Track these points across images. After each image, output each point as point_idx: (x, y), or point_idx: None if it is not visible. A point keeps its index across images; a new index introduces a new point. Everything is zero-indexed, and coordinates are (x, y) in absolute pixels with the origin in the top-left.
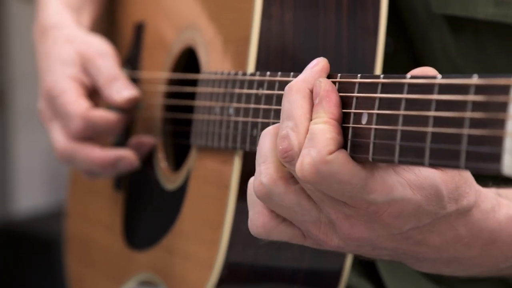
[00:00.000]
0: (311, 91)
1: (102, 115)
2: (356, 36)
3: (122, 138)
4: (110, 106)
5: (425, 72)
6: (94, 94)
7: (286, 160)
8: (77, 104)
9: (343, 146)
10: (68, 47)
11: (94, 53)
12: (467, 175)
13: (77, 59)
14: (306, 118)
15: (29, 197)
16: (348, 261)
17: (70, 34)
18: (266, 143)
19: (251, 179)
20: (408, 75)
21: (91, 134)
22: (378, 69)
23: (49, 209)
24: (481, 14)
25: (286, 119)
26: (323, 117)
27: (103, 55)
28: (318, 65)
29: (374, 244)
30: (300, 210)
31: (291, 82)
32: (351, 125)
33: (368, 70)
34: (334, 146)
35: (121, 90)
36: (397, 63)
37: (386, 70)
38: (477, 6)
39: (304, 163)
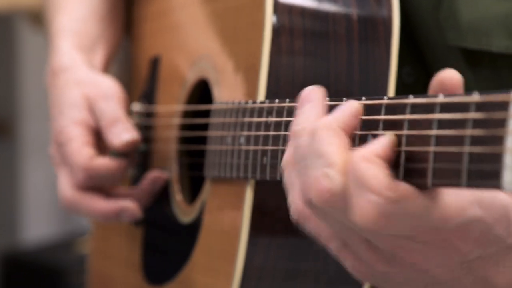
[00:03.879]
0: (344, 131)
1: (103, 163)
2: (368, 61)
3: (139, 173)
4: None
5: (449, 75)
6: (101, 137)
7: (327, 205)
8: (80, 154)
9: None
10: (76, 90)
11: (98, 96)
12: None
13: (83, 102)
14: (342, 153)
15: (37, 227)
16: None
17: (79, 77)
18: (291, 176)
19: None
20: (411, 95)
21: (94, 183)
22: (391, 94)
23: (57, 239)
24: (495, 47)
25: (318, 158)
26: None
27: (107, 97)
28: (351, 106)
29: (429, 277)
30: (325, 236)
31: (318, 123)
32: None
33: (380, 95)
34: (388, 183)
35: (121, 133)
36: (419, 92)
37: None
38: (490, 39)
39: (366, 211)
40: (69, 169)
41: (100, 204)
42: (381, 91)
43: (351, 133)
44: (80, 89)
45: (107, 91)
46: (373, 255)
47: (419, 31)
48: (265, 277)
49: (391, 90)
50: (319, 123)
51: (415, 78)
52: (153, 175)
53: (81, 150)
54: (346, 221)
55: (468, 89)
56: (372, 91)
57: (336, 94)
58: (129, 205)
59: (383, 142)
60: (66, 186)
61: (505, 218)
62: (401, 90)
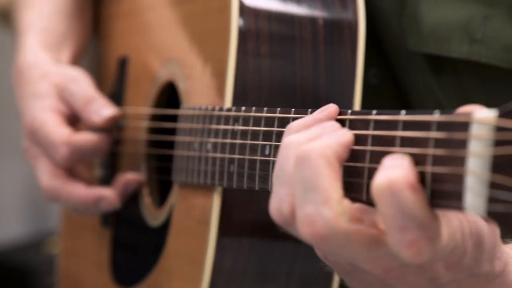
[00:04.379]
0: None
1: (86, 137)
2: (334, 68)
3: (107, 174)
4: (92, 129)
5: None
6: (75, 121)
7: (320, 245)
8: (58, 132)
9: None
10: (43, 82)
11: (67, 81)
12: (499, 235)
13: (52, 91)
14: (337, 189)
15: (6, 227)
16: None
17: (45, 70)
18: (290, 159)
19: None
20: (374, 111)
21: (78, 159)
22: (357, 100)
23: (26, 239)
24: (455, 52)
25: (311, 191)
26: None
27: (74, 79)
28: (344, 136)
29: (392, 287)
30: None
31: (310, 146)
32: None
33: (346, 102)
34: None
35: (99, 110)
36: (383, 94)
37: (372, 102)
38: (451, 45)
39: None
40: (48, 153)
41: (80, 191)
42: (347, 95)
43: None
44: (48, 81)
45: (75, 75)
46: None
47: (384, 35)
48: (234, 281)
49: (358, 93)
50: (313, 151)
51: (381, 79)
52: (127, 177)
53: (58, 129)
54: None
55: (431, 94)
56: (339, 95)
57: (302, 98)
58: (108, 193)
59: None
60: (45, 175)
61: (479, 247)
62: (367, 92)
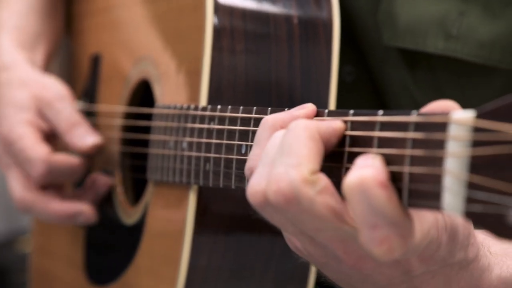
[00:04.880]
0: (320, 137)
1: (64, 159)
2: (309, 63)
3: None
4: (70, 151)
5: (443, 106)
6: (51, 139)
7: (281, 205)
8: (36, 148)
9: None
10: (22, 91)
11: (51, 97)
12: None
13: (32, 103)
14: (312, 161)
15: None
16: None
17: (24, 77)
18: (276, 140)
19: (269, 118)
20: (351, 111)
21: (53, 179)
22: (332, 98)
23: (0, 238)
24: (431, 48)
25: (286, 155)
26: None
27: (61, 98)
28: (336, 124)
29: (368, 277)
30: (292, 230)
31: (300, 120)
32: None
33: (321, 101)
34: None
35: (84, 136)
36: (358, 91)
37: (347, 99)
38: (426, 40)
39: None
40: (22, 167)
41: (55, 205)
42: (323, 93)
43: (328, 148)
44: (27, 90)
45: (60, 92)
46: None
47: (359, 31)
48: (210, 279)
49: (333, 92)
50: (300, 122)
51: (356, 76)
52: (97, 179)
53: (36, 145)
54: (298, 221)
55: (406, 90)
56: (314, 94)
57: (277, 97)
58: (85, 209)
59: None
60: (18, 187)
61: (452, 240)
62: (342, 89)
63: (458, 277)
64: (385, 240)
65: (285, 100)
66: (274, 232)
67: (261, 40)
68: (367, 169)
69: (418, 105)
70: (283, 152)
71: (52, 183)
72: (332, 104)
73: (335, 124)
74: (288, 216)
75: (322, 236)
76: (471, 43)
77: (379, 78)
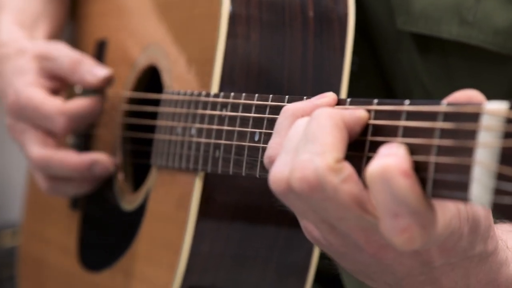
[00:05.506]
0: (345, 126)
1: (79, 103)
2: (322, 56)
3: None
4: (80, 93)
5: (468, 96)
6: (60, 93)
7: (306, 192)
8: (49, 103)
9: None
10: (21, 57)
11: (47, 48)
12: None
13: (32, 65)
14: (337, 149)
15: None
16: (309, 285)
17: (20, 46)
18: (300, 129)
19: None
20: (376, 100)
21: (76, 126)
22: (344, 89)
23: None
24: (445, 33)
25: (311, 142)
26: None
27: (55, 46)
28: (360, 113)
29: (388, 267)
30: (313, 218)
31: (324, 108)
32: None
33: (333, 91)
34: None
35: (92, 70)
36: (362, 81)
37: (351, 89)
38: (441, 25)
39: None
40: (41, 127)
41: (72, 157)
42: (335, 86)
43: (352, 137)
44: (26, 55)
45: (54, 43)
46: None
47: (369, 17)
48: (211, 267)
49: (344, 85)
50: (324, 110)
51: (359, 66)
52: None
53: (48, 100)
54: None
55: (416, 75)
56: (326, 85)
57: (289, 88)
58: (101, 157)
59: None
60: (35, 146)
61: (474, 231)
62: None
63: (477, 270)
64: (406, 230)
65: (296, 92)
66: (278, 223)
67: (276, 30)
68: (390, 158)
69: (427, 92)
70: (307, 140)
71: (78, 128)
72: (343, 96)
73: (358, 113)
74: (312, 203)
75: (344, 224)
76: (486, 30)
77: (387, 65)
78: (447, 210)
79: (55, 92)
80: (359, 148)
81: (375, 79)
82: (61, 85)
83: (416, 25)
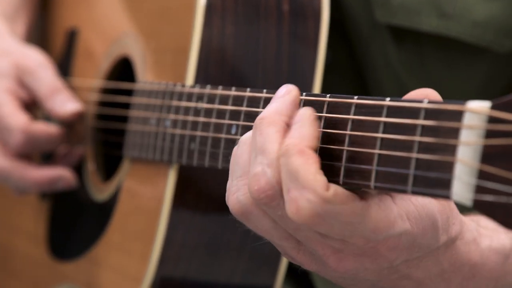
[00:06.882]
0: (286, 124)
1: (43, 128)
2: (296, 49)
3: None
4: (49, 118)
5: (425, 94)
6: (30, 108)
7: (263, 202)
8: (16, 117)
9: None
10: (3, 60)
11: (33, 64)
12: (453, 204)
13: (12, 72)
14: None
15: None
16: (280, 278)
17: (5, 46)
18: (245, 154)
19: (238, 148)
20: (355, 96)
21: (31, 148)
22: (318, 83)
23: None
24: (425, 25)
25: (260, 154)
26: (297, 144)
27: (42, 66)
28: (290, 94)
29: (358, 277)
30: (278, 235)
31: (262, 114)
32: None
33: (307, 84)
34: (324, 181)
35: (65, 103)
36: (336, 74)
37: (324, 82)
38: (421, 17)
39: (301, 207)
40: (1, 136)
41: (34, 172)
42: (309, 80)
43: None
44: (7, 59)
45: (40, 60)
46: (304, 256)
47: (344, 10)
48: (184, 256)
49: (318, 78)
50: (264, 119)
51: (332, 59)
52: (68, 151)
53: (16, 113)
54: (284, 217)
55: (390, 66)
56: (300, 78)
57: (264, 81)
58: (64, 173)
59: (309, 131)
60: None
61: (431, 228)
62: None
63: (447, 255)
64: (293, 200)
65: (270, 84)
66: None
67: (251, 22)
68: (291, 139)
69: (402, 83)
70: (257, 152)
71: (30, 153)
72: (317, 89)
73: (288, 98)
74: (271, 213)
75: (300, 235)
76: (465, 22)
77: (361, 57)
78: (388, 210)
79: (28, 105)
80: (338, 142)
81: (348, 71)
82: (33, 102)
83: (395, 18)
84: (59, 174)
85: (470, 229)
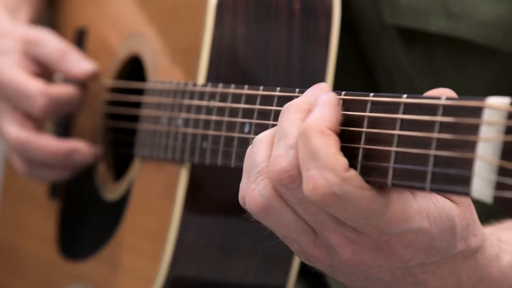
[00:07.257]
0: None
1: (63, 88)
2: (307, 48)
3: None
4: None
5: (441, 93)
6: (42, 78)
7: (284, 182)
8: (32, 83)
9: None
10: (6, 38)
11: (35, 34)
12: (475, 214)
13: (18, 47)
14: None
15: None
16: (292, 278)
17: (7, 28)
18: (262, 151)
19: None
20: (371, 94)
21: (55, 111)
22: (329, 82)
23: None
24: (434, 26)
25: (284, 138)
26: (318, 125)
27: (47, 33)
28: (322, 90)
29: (371, 274)
30: (297, 229)
31: (291, 101)
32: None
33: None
34: (345, 162)
35: (78, 62)
36: (344, 74)
37: (334, 81)
38: (429, 18)
39: (318, 185)
40: (19, 107)
41: (51, 143)
42: (320, 79)
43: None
44: (11, 37)
45: (43, 32)
46: (314, 248)
47: (353, 10)
48: (196, 256)
49: (329, 80)
50: (292, 105)
51: (342, 58)
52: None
53: (30, 80)
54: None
55: (400, 67)
56: (311, 78)
57: (275, 80)
58: (81, 146)
59: (331, 113)
60: (13, 127)
61: (450, 231)
62: None
63: (465, 267)
64: (311, 178)
65: (281, 83)
66: None
67: (262, 21)
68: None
69: (412, 83)
70: (280, 136)
71: (54, 116)
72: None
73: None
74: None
75: (315, 222)
76: (474, 22)
77: (371, 57)
78: (407, 204)
79: (37, 76)
80: (355, 140)
81: (358, 72)
82: (44, 72)
83: (403, 19)
84: (76, 147)
85: (493, 244)
